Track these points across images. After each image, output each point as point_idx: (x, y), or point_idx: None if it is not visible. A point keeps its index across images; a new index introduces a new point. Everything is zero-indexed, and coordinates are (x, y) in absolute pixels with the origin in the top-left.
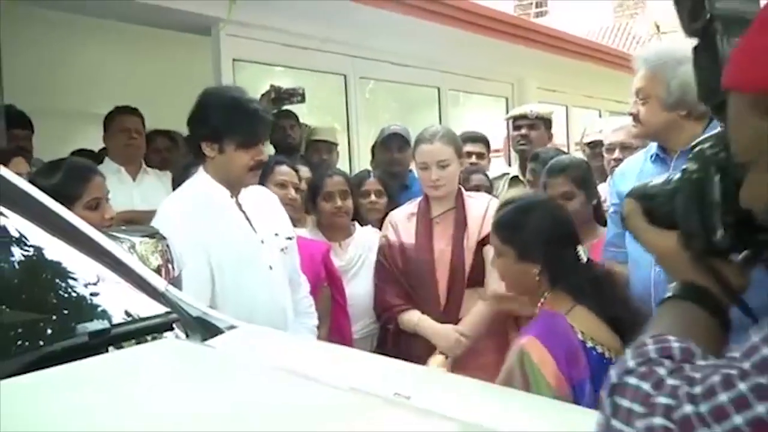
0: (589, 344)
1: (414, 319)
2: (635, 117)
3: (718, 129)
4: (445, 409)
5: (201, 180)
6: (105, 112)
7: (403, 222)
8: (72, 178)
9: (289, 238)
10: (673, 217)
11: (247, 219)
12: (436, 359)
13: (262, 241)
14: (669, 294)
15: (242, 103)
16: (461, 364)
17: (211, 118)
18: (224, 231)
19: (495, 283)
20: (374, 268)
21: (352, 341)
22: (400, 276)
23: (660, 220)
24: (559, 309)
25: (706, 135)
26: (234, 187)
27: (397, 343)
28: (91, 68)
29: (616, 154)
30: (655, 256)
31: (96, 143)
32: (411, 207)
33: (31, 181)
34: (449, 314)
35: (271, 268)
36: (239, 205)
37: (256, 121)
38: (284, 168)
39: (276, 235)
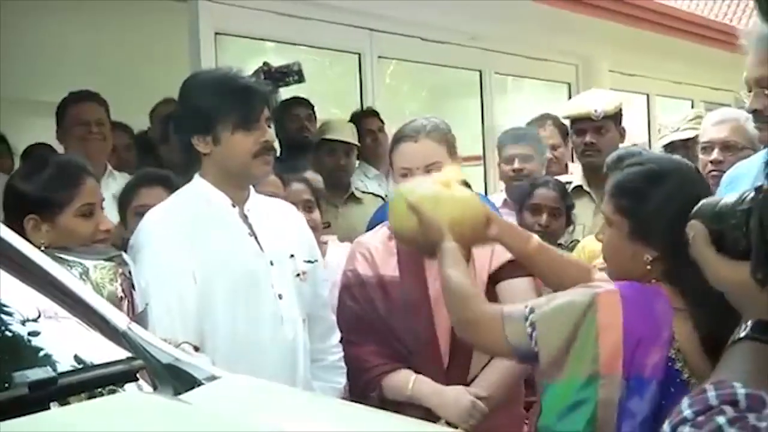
0: (677, 365)
1: (407, 382)
2: (759, 114)
3: None
4: None
5: (196, 186)
6: (59, 100)
7: (379, 250)
8: (60, 180)
9: (310, 262)
10: (746, 244)
11: (253, 234)
12: None
13: (271, 263)
14: (740, 335)
15: (231, 78)
16: None
17: (197, 104)
18: (220, 248)
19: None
20: (337, 315)
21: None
22: (381, 324)
23: (731, 247)
24: None
25: None
26: (239, 186)
27: None
28: (42, 45)
29: (715, 154)
30: (724, 291)
31: (49, 139)
32: (388, 230)
33: (10, 185)
34: (454, 373)
35: (280, 297)
36: (245, 217)
37: (251, 96)
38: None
39: (291, 256)
